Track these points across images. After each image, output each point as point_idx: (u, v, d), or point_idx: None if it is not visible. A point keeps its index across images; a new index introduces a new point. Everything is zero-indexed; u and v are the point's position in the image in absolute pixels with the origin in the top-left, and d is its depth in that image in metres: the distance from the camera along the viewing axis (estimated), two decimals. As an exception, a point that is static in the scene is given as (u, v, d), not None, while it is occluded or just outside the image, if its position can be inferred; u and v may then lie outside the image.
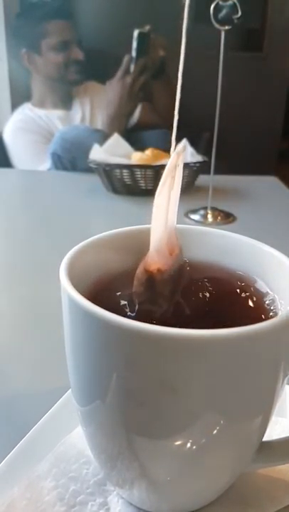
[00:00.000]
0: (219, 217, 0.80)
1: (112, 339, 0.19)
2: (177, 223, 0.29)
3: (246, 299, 0.25)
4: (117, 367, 0.20)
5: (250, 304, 0.25)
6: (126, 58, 1.31)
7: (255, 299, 0.25)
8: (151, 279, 0.22)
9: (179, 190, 0.23)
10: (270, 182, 1.09)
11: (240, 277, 0.27)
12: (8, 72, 1.84)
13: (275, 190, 1.04)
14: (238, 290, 0.26)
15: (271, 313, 0.23)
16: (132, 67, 1.31)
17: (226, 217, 0.80)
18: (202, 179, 0.93)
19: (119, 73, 1.32)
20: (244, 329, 0.18)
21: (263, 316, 0.23)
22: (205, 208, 0.81)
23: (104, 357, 0.20)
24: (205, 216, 0.80)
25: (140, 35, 1.29)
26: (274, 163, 1.91)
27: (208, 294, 0.25)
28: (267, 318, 0.23)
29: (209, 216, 0.80)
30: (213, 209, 0.81)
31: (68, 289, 0.21)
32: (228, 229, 0.28)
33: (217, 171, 0.79)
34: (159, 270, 0.22)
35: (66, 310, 0.22)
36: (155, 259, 0.23)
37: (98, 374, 0.21)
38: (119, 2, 1.81)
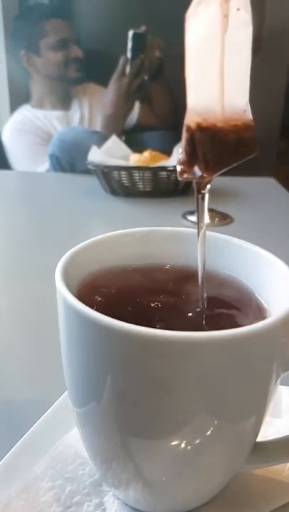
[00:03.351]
0: (217, 219, 0.80)
1: (107, 341, 0.19)
2: (174, 225, 0.30)
3: (240, 301, 0.25)
4: (112, 369, 0.20)
5: (244, 306, 0.25)
6: (122, 59, 1.31)
7: (249, 301, 0.25)
8: (191, 138, 0.20)
9: (247, 50, 0.20)
10: (267, 183, 1.10)
11: (234, 280, 0.27)
12: (7, 74, 1.84)
13: (272, 192, 1.04)
14: (232, 292, 0.26)
15: (264, 315, 0.24)
16: (128, 68, 1.31)
17: (224, 219, 0.81)
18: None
19: (115, 74, 1.32)
20: (237, 331, 0.19)
21: (256, 318, 0.23)
22: (203, 210, 0.81)
23: (98, 359, 0.20)
24: (203, 217, 0.81)
25: (135, 35, 1.29)
26: (272, 163, 1.91)
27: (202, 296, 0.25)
28: (260, 320, 0.23)
29: (207, 217, 0.80)
30: (211, 210, 0.81)
31: (63, 292, 0.21)
32: (225, 230, 0.28)
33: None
34: (198, 125, 0.20)
35: (61, 312, 0.22)
36: (193, 116, 0.20)
37: (93, 376, 0.21)
38: (118, 3, 1.81)
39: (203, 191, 0.23)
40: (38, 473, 0.27)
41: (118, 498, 0.26)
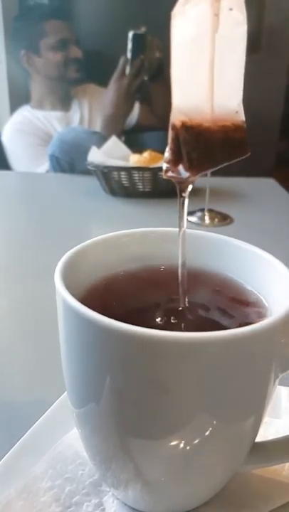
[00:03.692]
0: (216, 219, 0.80)
1: (106, 342, 0.20)
2: (173, 225, 0.30)
3: (238, 302, 0.25)
4: (111, 369, 0.20)
5: (242, 306, 0.25)
6: (121, 60, 1.31)
7: (247, 302, 0.25)
8: (176, 137, 0.20)
9: (241, 50, 0.19)
10: (267, 184, 1.10)
11: (233, 280, 0.27)
12: (7, 74, 1.84)
13: (272, 192, 1.04)
14: (232, 293, 0.26)
15: (262, 316, 0.24)
16: (128, 69, 1.31)
17: (223, 219, 0.81)
18: (199, 181, 0.92)
19: (115, 75, 1.32)
20: (236, 331, 0.19)
21: (254, 319, 0.23)
22: (202, 210, 0.82)
23: (97, 359, 0.20)
24: (202, 218, 0.81)
25: (135, 36, 1.29)
26: (271, 164, 1.91)
27: (200, 297, 0.25)
28: (258, 320, 0.23)
29: (206, 218, 0.80)
30: (211, 211, 0.82)
31: (62, 292, 0.21)
32: (225, 231, 0.28)
33: (214, 173, 0.79)
34: (183, 124, 0.20)
35: (60, 313, 0.22)
36: (178, 114, 0.20)
37: (92, 376, 0.21)
38: (117, 3, 1.81)
39: (184, 194, 0.23)
40: (38, 473, 0.27)
41: (117, 498, 0.26)
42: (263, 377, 0.21)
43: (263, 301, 0.25)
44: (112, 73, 1.35)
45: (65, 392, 0.31)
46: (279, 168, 1.82)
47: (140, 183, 0.91)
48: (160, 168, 0.89)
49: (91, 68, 1.57)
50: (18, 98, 1.71)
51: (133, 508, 0.26)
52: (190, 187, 0.23)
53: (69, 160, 1.19)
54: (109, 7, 1.80)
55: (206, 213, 0.81)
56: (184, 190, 0.23)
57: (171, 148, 0.21)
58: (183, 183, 0.23)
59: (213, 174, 0.79)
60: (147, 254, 0.29)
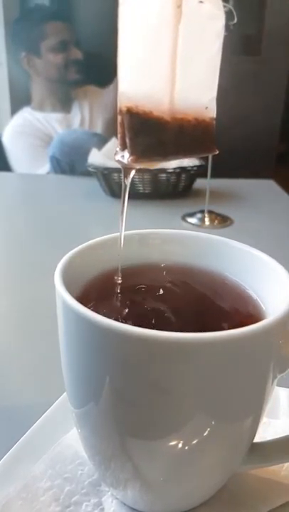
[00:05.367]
0: (216, 221, 0.81)
1: (105, 342, 0.20)
2: (173, 227, 0.30)
3: (239, 302, 0.25)
4: (110, 369, 0.20)
5: (241, 307, 0.25)
6: None
7: (246, 302, 0.25)
8: (122, 121, 0.20)
9: (214, 45, 0.19)
10: (267, 185, 1.10)
11: (233, 281, 0.27)
12: (7, 76, 1.85)
13: (272, 194, 1.04)
14: (231, 294, 0.26)
15: (261, 317, 0.24)
16: None
17: (223, 221, 0.81)
18: (199, 183, 0.93)
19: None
20: (235, 332, 0.19)
21: (253, 320, 0.24)
22: (202, 212, 0.82)
23: (97, 360, 0.21)
24: (202, 219, 0.81)
25: None
26: (272, 166, 1.91)
27: (199, 298, 0.25)
28: (256, 321, 0.23)
29: (206, 220, 0.81)
30: (210, 212, 0.82)
31: (62, 293, 0.21)
32: (225, 232, 0.28)
33: (214, 175, 0.80)
34: (128, 110, 0.19)
35: (60, 314, 0.22)
36: (124, 99, 0.20)
37: (92, 376, 0.21)
38: (117, 5, 1.81)
39: (126, 179, 0.23)
40: (37, 473, 0.27)
41: (116, 498, 0.27)
42: (261, 377, 0.21)
43: (262, 302, 0.25)
44: (113, 75, 1.35)
45: (65, 393, 0.31)
46: (279, 169, 1.82)
47: (140, 185, 0.91)
48: (160, 170, 0.90)
49: (91, 70, 1.57)
50: (19, 100, 1.72)
51: (132, 508, 0.26)
52: (132, 173, 0.22)
53: (69, 161, 1.20)
54: (109, 8, 1.80)
55: (206, 215, 0.81)
56: (126, 176, 0.23)
57: (119, 132, 0.21)
58: (126, 169, 0.22)
59: (213, 176, 0.79)
60: (147, 255, 0.29)
